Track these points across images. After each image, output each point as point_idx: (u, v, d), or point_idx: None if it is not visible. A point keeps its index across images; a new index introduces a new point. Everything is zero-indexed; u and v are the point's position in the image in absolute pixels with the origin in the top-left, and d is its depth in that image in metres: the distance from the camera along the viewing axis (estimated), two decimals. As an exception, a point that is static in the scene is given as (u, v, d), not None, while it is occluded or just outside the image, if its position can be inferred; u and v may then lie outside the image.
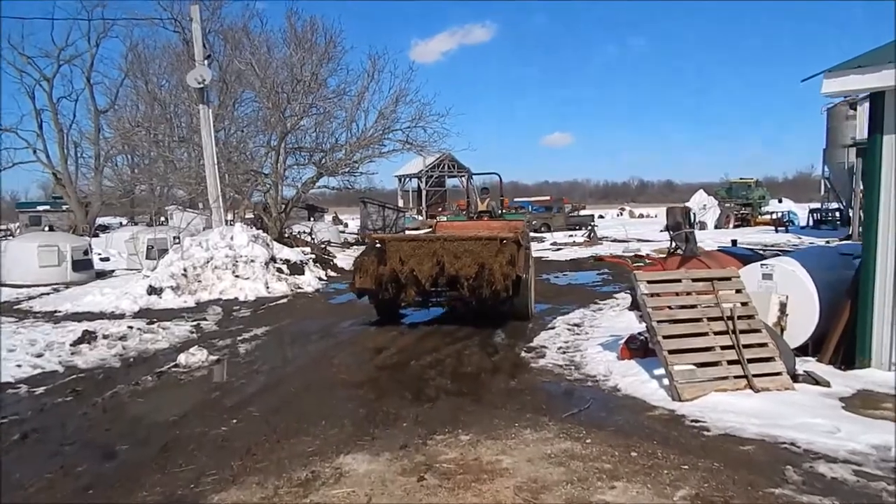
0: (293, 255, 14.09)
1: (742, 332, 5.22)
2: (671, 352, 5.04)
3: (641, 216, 56.41)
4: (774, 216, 32.79)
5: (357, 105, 20.89)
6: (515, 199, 53.82)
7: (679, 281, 5.54)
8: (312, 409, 5.06)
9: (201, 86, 13.92)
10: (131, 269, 15.48)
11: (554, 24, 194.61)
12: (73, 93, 28.57)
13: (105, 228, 29.73)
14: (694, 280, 5.55)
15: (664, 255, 7.58)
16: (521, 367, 6.29)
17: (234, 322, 9.22)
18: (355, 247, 25.52)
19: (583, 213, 42.96)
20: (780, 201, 42.10)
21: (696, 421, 4.49)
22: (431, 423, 4.60)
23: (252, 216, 22.45)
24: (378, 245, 7.96)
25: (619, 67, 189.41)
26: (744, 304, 5.47)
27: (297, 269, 13.46)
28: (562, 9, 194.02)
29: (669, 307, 5.35)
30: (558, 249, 20.73)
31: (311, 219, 26.08)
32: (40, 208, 34.11)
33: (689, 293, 5.47)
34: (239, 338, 8.04)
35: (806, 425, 4.26)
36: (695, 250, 7.07)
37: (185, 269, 11.81)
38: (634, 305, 8.43)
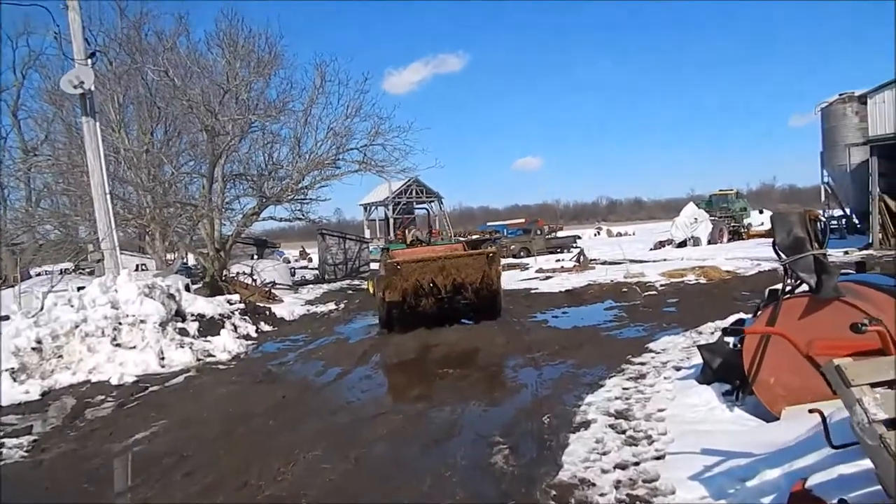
0: (210, 307, 10.67)
1: None
2: None
3: (619, 234, 54.02)
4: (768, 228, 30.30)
5: (304, 122, 17.86)
6: (488, 224, 50.91)
7: (931, 377, 2.39)
8: None
9: (79, 91, 10.56)
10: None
11: (524, 50, 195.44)
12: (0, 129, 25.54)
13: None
14: (959, 371, 2.41)
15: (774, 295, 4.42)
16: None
17: (71, 435, 5.74)
18: (311, 286, 21.97)
19: (561, 234, 40.06)
20: (760, 212, 39.98)
21: None
22: None
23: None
24: (398, 266, 9.38)
25: (586, 89, 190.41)
26: None
27: (212, 327, 10.04)
28: (532, 36, 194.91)
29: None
30: (547, 277, 17.52)
31: (254, 256, 22.49)
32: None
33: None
34: (45, 484, 4.60)
35: None
36: (837, 288, 3.95)
37: (38, 341, 8.28)
38: (709, 376, 5.28)
